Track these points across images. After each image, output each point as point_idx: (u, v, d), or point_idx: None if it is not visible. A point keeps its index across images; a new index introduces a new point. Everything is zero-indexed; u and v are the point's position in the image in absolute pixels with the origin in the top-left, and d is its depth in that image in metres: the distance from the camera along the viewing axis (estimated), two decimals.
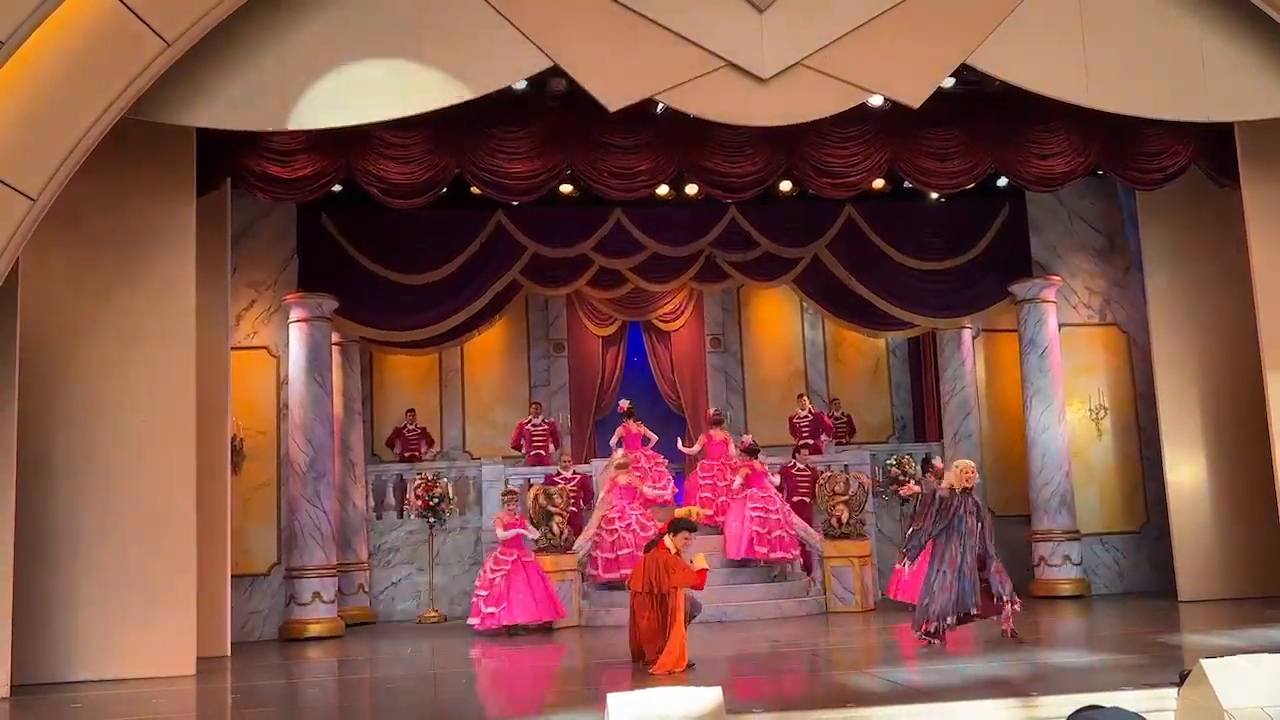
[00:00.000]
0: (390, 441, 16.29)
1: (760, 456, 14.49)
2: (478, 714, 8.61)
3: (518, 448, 15.85)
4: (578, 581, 13.18)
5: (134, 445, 10.50)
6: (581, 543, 13.61)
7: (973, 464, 10.49)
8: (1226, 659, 6.30)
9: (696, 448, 15.40)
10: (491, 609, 12.56)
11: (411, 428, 16.18)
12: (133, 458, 10.47)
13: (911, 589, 12.56)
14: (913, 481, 13.69)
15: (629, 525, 13.63)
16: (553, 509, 13.45)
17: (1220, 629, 10.26)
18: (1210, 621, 10.92)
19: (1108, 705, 5.53)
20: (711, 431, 15.36)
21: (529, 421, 15.82)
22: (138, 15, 9.03)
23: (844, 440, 16.52)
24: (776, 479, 14.53)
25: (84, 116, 9.03)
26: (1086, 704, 5.68)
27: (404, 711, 8.74)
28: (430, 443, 16.35)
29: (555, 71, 10.43)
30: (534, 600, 12.50)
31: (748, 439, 14.87)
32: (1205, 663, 6.25)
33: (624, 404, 15.67)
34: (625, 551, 13.33)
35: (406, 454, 16.00)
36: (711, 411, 16.10)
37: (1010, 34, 10.58)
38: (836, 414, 16.80)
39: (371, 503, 15.21)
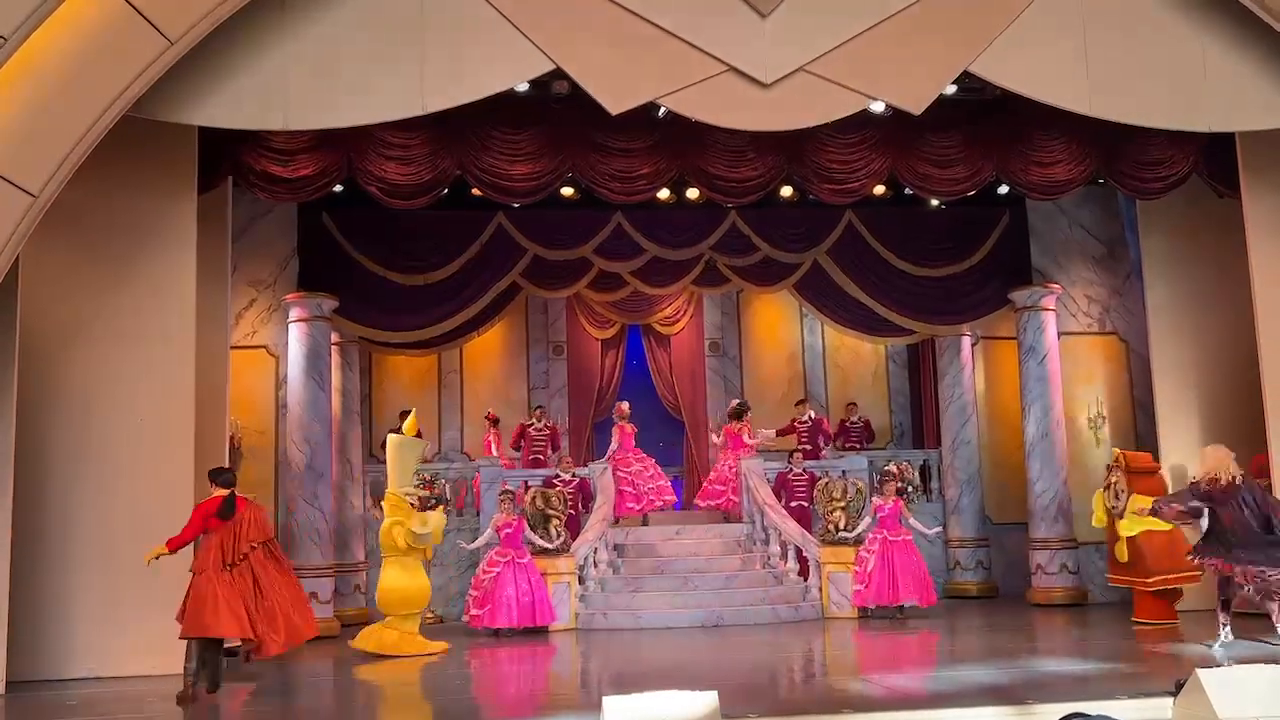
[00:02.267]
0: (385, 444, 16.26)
1: (748, 416, 15.58)
2: (474, 716, 8.61)
3: (516, 448, 15.88)
4: (574, 584, 13.17)
5: (132, 443, 10.49)
6: (593, 521, 13.92)
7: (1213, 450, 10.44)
8: (1222, 669, 6.31)
9: (719, 439, 15.72)
10: (478, 611, 12.60)
11: None
12: (131, 456, 10.46)
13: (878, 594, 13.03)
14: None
15: (644, 468, 14.92)
16: (550, 511, 13.43)
17: (1216, 639, 10.25)
18: (1207, 631, 10.91)
19: (1094, 713, 5.54)
20: (730, 424, 15.59)
21: (531, 424, 15.85)
22: (141, 13, 9.04)
23: (861, 446, 16.51)
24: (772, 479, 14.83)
25: (86, 113, 9.03)
26: (1073, 711, 5.69)
27: (399, 713, 8.74)
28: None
29: (557, 74, 10.44)
30: (519, 604, 12.47)
31: (734, 402, 15.92)
32: (1201, 672, 6.26)
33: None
34: (648, 487, 14.82)
35: None
36: (734, 403, 16.16)
37: (1012, 42, 10.59)
38: (853, 419, 16.81)
39: (369, 503, 15.19)
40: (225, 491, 9.18)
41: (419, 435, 13.04)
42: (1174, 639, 10.82)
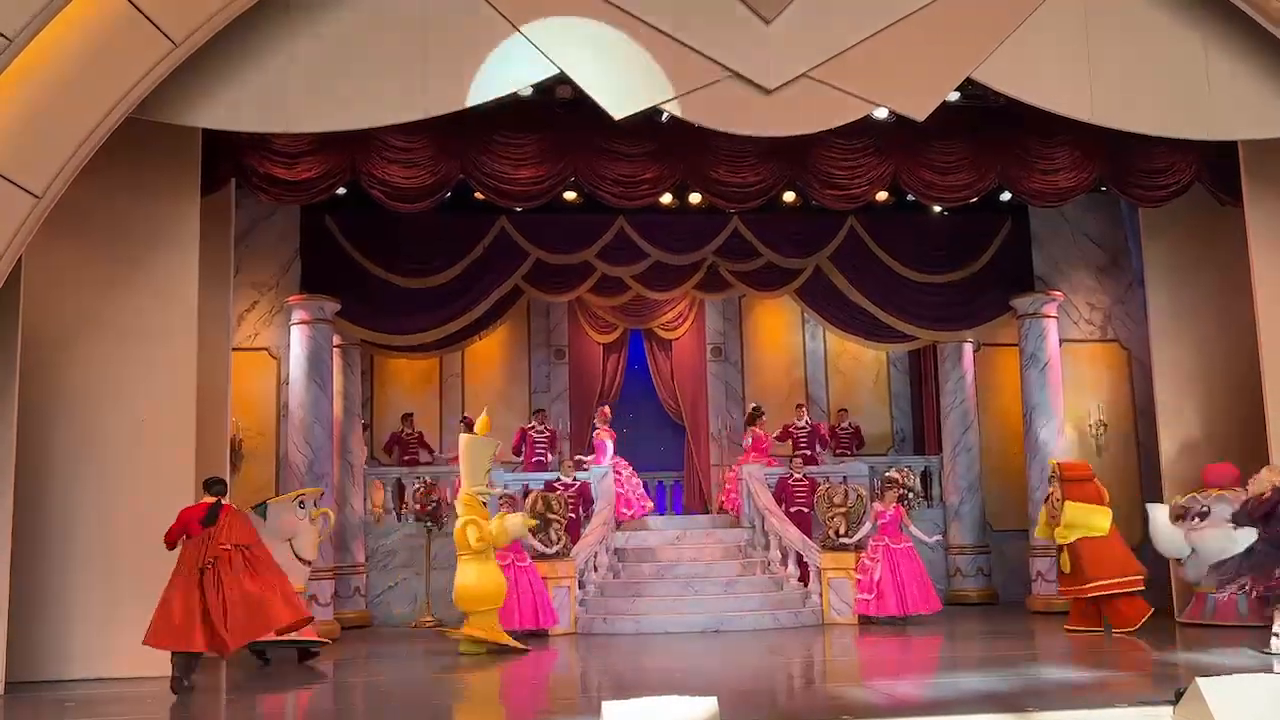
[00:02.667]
0: (388, 447, 16.27)
1: (762, 420, 15.89)
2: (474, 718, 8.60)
3: (517, 453, 15.87)
4: (574, 588, 13.16)
5: (133, 443, 10.48)
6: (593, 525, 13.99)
7: (1268, 471, 10.17)
8: (1222, 678, 6.30)
9: (748, 441, 15.94)
10: None
11: (409, 432, 16.17)
12: (132, 456, 10.46)
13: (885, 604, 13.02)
14: None
15: (629, 475, 15.46)
16: (551, 515, 13.43)
17: (1217, 648, 10.25)
18: (1207, 640, 10.90)
19: None
20: (752, 428, 15.83)
21: (532, 427, 15.86)
22: (146, 15, 9.06)
23: (851, 452, 16.52)
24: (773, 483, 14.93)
25: (90, 115, 9.04)
26: None
27: (398, 714, 8.73)
28: (430, 451, 16.29)
29: (561, 79, 10.45)
30: (521, 607, 12.45)
31: (751, 406, 16.11)
32: (1201, 681, 6.26)
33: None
34: (635, 494, 15.29)
35: (405, 459, 15.99)
36: (751, 407, 16.32)
37: (1016, 49, 10.60)
38: (844, 424, 16.82)
39: (369, 505, 15.20)
40: (213, 500, 9.46)
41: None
42: (1187, 648, 10.80)
